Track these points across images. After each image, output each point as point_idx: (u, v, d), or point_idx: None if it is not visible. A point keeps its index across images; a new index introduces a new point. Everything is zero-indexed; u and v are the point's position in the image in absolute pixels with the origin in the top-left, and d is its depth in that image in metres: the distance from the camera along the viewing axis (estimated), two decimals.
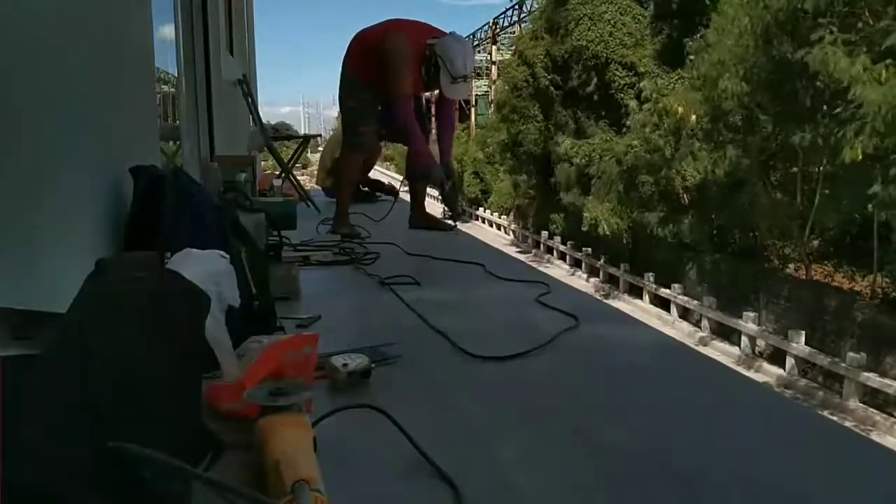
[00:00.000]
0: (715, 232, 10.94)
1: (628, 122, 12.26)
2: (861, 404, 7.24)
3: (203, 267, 1.00)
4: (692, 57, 9.68)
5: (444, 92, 3.12)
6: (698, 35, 9.92)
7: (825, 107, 7.67)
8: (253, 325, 1.27)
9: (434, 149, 3.25)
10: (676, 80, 11.09)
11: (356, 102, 3.24)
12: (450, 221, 3.49)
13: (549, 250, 16.07)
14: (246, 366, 1.04)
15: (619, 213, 11.78)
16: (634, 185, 11.12)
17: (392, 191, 4.86)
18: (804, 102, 8.00)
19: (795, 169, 9.04)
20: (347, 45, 3.31)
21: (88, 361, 0.68)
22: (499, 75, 22.68)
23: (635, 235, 12.01)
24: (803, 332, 8.23)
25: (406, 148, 3.45)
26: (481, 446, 1.03)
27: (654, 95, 10.64)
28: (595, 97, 13.90)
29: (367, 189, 4.87)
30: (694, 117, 9.67)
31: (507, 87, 15.56)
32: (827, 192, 8.43)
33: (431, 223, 3.47)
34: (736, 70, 8.45)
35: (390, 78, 3.04)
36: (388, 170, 25.25)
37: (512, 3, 22.85)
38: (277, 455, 0.79)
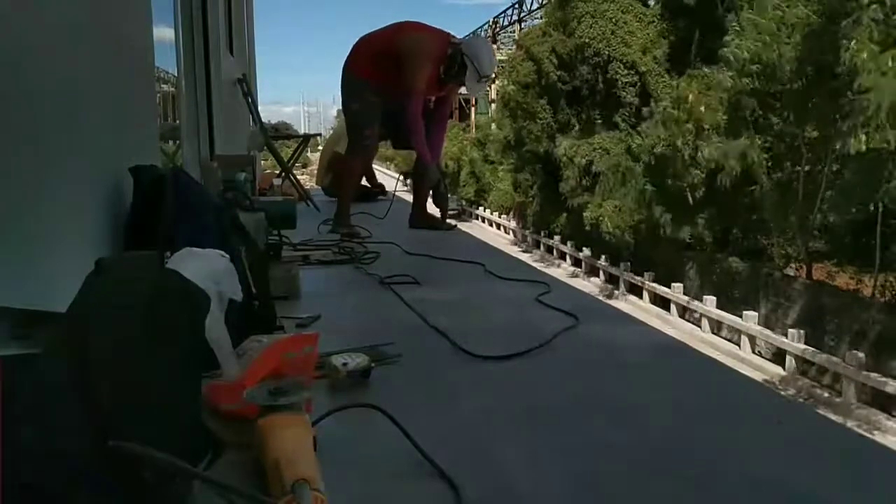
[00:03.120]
0: (721, 232, 10.89)
1: (646, 118, 12.20)
2: (861, 403, 7.24)
3: (203, 266, 1.00)
4: (726, 47, 9.42)
5: (468, 89, 3.25)
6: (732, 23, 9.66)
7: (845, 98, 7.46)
8: (253, 324, 1.27)
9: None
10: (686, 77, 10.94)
11: (361, 105, 3.25)
12: (451, 221, 3.51)
13: (550, 250, 16.06)
14: (246, 365, 1.04)
15: (632, 211, 11.63)
16: (662, 180, 10.91)
17: (382, 190, 4.90)
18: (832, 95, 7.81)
19: (798, 168, 9.00)
20: (351, 48, 3.31)
21: (88, 361, 0.68)
22: (498, 74, 22.66)
23: (637, 234, 11.95)
24: (803, 332, 8.24)
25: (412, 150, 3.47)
26: (481, 446, 1.03)
27: (664, 91, 10.52)
28: (597, 96, 13.89)
29: (368, 186, 4.89)
30: (703, 107, 9.58)
31: (513, 84, 15.50)
32: (829, 193, 8.39)
33: (432, 223, 3.48)
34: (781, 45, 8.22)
35: (408, 73, 3.07)
36: (389, 169, 25.25)
37: (512, 3, 22.84)
38: (277, 454, 0.79)
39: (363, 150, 3.36)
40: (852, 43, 6.77)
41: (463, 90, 3.50)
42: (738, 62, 8.79)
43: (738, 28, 9.06)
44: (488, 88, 23.99)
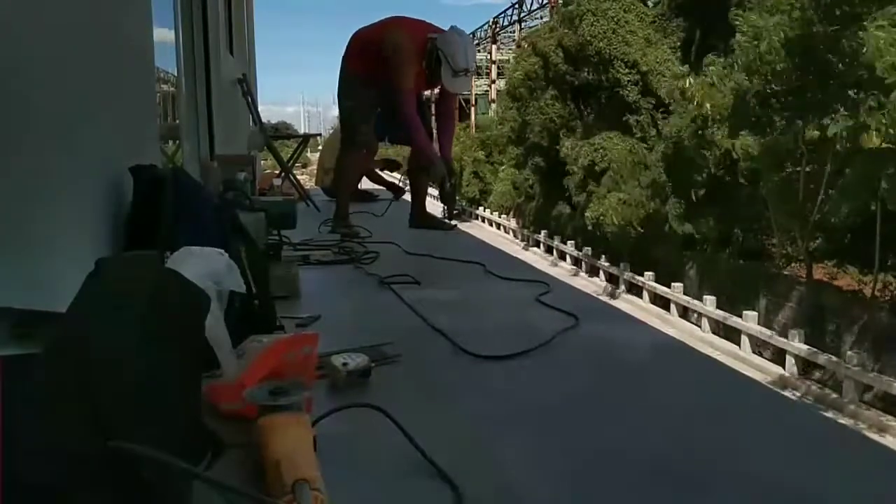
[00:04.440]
0: (724, 230, 10.89)
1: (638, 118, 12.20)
2: (863, 403, 7.24)
3: (203, 266, 1.00)
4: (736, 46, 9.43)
5: (445, 85, 3.10)
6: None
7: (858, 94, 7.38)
8: (253, 324, 1.27)
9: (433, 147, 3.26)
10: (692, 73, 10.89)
11: (355, 101, 3.24)
12: (450, 221, 3.49)
13: (550, 250, 16.06)
14: (246, 365, 1.04)
15: (640, 204, 11.57)
16: (677, 171, 10.87)
17: (395, 188, 4.87)
18: (839, 85, 7.76)
19: (799, 168, 8.99)
20: (346, 44, 3.31)
21: (88, 361, 0.68)
22: (499, 74, 22.67)
23: (642, 227, 11.92)
24: (802, 332, 8.24)
25: (408, 147, 3.45)
26: (481, 446, 1.03)
27: (686, 87, 10.48)
28: (599, 94, 13.90)
29: (374, 186, 4.88)
30: (708, 105, 9.59)
31: (519, 76, 15.49)
32: (832, 190, 8.38)
33: (432, 223, 3.47)
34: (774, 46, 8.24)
35: (392, 72, 3.03)
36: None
37: (512, 3, 22.83)
38: (278, 454, 0.79)
39: (358, 146, 3.33)
40: (871, 30, 6.67)
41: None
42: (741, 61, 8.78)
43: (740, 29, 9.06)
44: (488, 88, 24.02)
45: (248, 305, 1.29)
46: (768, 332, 8.88)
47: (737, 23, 9.15)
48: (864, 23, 6.84)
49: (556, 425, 1.12)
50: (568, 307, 1.81)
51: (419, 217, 3.48)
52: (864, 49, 6.73)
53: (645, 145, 11.93)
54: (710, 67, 9.84)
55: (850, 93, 7.33)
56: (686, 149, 10.36)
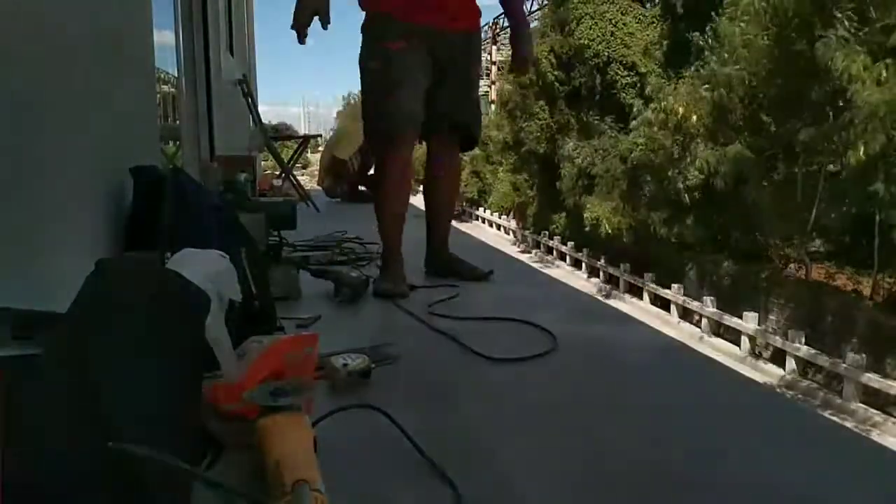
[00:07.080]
0: (717, 233, 10.92)
1: (633, 123, 12.25)
2: (861, 405, 7.23)
3: (203, 267, 1.00)
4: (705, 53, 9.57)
5: None
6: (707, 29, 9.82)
7: (830, 106, 7.57)
8: (253, 325, 1.27)
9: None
10: (678, 79, 10.96)
11: (383, 50, 2.06)
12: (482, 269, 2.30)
13: (550, 251, 16.07)
14: (246, 366, 1.04)
15: (622, 212, 11.75)
16: (638, 184, 11.09)
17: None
18: (810, 98, 7.91)
19: (796, 169, 9.00)
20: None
21: (88, 361, 0.68)
22: (499, 75, 22.67)
23: (637, 235, 11.98)
24: (802, 333, 8.24)
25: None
26: (481, 446, 1.03)
27: (658, 95, 10.57)
28: (597, 96, 13.91)
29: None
30: (695, 117, 9.63)
31: (512, 85, 15.54)
32: (828, 187, 8.41)
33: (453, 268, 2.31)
34: (746, 61, 8.39)
35: None
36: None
37: None
38: (277, 455, 0.79)
39: (400, 130, 2.10)
40: (839, 57, 6.84)
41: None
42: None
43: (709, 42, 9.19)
44: (488, 89, 23.99)
45: (248, 306, 1.29)
46: (768, 332, 8.89)
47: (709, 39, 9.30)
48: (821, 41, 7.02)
49: (557, 425, 1.12)
50: (568, 308, 1.81)
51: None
52: (833, 67, 6.90)
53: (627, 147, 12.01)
54: (689, 79, 9.96)
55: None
56: (653, 159, 10.46)
